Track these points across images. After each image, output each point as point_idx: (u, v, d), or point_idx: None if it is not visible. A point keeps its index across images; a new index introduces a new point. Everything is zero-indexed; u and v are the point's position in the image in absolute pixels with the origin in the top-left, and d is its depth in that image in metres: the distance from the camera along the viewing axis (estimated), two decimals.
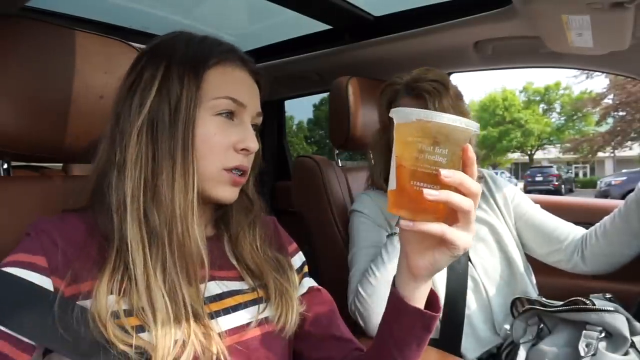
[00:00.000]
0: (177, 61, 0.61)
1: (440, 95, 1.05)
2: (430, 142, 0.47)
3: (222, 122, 0.63)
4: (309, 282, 0.79)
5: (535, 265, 1.25)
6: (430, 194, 0.46)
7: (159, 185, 0.58)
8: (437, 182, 0.47)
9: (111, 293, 0.54)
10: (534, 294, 1.17)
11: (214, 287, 0.64)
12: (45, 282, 0.54)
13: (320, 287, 0.79)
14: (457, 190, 0.47)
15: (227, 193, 0.64)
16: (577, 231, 1.17)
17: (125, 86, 0.62)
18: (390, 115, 0.51)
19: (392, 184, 0.49)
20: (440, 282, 1.10)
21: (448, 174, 0.46)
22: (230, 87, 0.63)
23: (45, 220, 0.59)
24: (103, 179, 0.60)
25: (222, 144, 0.62)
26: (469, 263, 1.13)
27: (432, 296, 0.59)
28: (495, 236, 1.19)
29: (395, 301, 0.58)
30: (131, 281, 0.55)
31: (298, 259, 0.79)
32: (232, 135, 0.63)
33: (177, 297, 0.56)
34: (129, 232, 0.56)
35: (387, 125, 1.15)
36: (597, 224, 1.13)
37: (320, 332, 0.73)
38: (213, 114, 0.62)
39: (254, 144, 0.64)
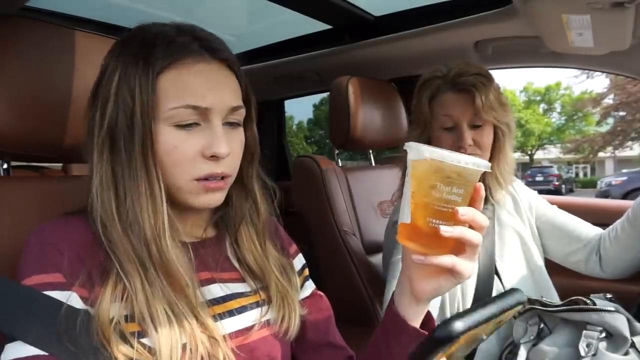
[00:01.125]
0: (131, 65, 0.56)
1: (487, 89, 1.02)
2: (445, 181, 0.48)
3: (184, 132, 0.57)
4: (311, 286, 0.78)
5: None
6: (447, 231, 0.48)
7: (128, 206, 0.55)
8: (451, 220, 0.48)
9: (115, 301, 0.53)
10: (556, 298, 1.13)
11: (217, 290, 0.63)
12: (66, 296, 0.53)
13: (321, 293, 0.79)
14: (468, 225, 0.49)
15: (205, 201, 0.60)
16: (596, 231, 1.15)
17: (92, 91, 0.59)
18: (404, 148, 0.52)
19: (406, 218, 0.50)
20: (470, 290, 1.06)
21: (464, 212, 0.48)
22: (188, 93, 0.56)
23: (48, 230, 0.56)
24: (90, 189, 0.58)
25: (188, 154, 0.57)
26: (495, 275, 1.09)
27: (426, 315, 0.60)
28: (523, 246, 1.15)
29: (395, 320, 0.58)
30: (131, 290, 0.54)
31: (298, 262, 0.78)
32: (197, 142, 0.57)
33: (177, 306, 0.55)
34: (119, 248, 0.55)
35: (428, 122, 1.09)
36: (610, 227, 1.12)
37: (317, 338, 0.73)
38: (172, 124, 0.56)
39: (222, 149, 0.57)
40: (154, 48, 0.56)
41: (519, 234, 1.16)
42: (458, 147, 1.02)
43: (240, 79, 0.63)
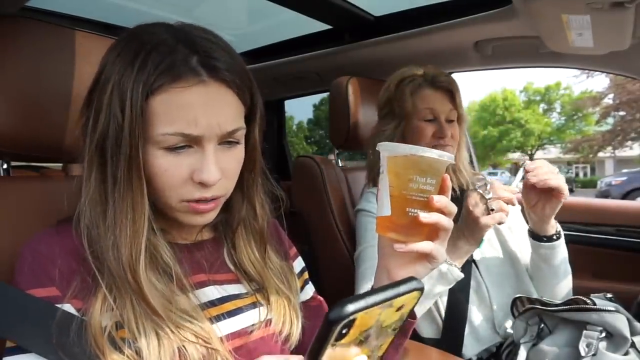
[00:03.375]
0: (126, 76, 0.52)
1: (458, 89, 1.16)
2: (421, 172, 0.54)
3: (174, 156, 0.55)
4: (311, 290, 0.78)
5: None
6: (425, 217, 0.54)
7: (111, 227, 0.53)
8: (427, 207, 0.55)
9: (106, 311, 0.53)
10: (535, 292, 1.17)
11: (212, 292, 0.63)
12: (65, 308, 0.53)
13: (321, 298, 0.79)
14: (441, 212, 0.55)
15: (195, 221, 0.59)
16: None
17: (87, 95, 0.58)
18: (378, 149, 0.57)
19: (387, 210, 0.55)
20: None
21: (438, 199, 0.55)
22: (179, 118, 0.53)
23: (40, 241, 0.56)
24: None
25: (177, 178, 0.55)
26: (472, 263, 1.13)
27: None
28: (499, 236, 1.19)
29: None
30: (122, 298, 0.54)
31: (298, 264, 0.78)
32: (187, 166, 0.55)
33: (162, 325, 0.54)
34: (105, 265, 0.54)
35: (408, 115, 1.16)
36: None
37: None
38: (161, 147, 0.54)
39: (212, 177, 0.55)
40: (148, 61, 0.52)
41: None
42: (439, 137, 1.13)
43: (243, 96, 0.58)
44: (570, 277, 1.13)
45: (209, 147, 0.55)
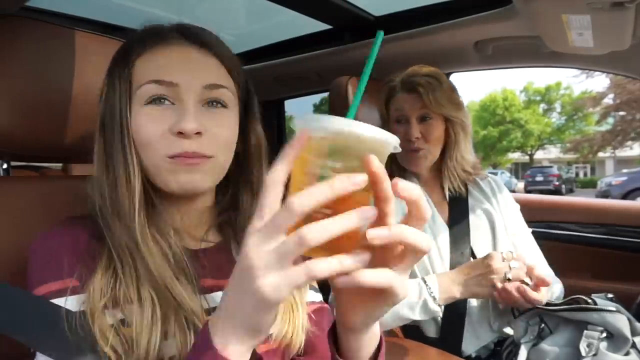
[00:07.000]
0: (115, 58, 0.62)
1: (434, 87, 1.12)
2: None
3: (153, 109, 0.57)
4: (315, 296, 0.73)
5: None
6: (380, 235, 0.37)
7: (116, 192, 0.56)
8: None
9: (104, 295, 0.52)
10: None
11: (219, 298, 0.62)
12: (70, 302, 0.53)
13: (326, 305, 0.73)
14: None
15: (185, 179, 0.57)
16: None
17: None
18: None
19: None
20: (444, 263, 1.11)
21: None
22: (155, 70, 0.58)
23: (47, 238, 0.57)
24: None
25: (156, 132, 0.56)
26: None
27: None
28: (490, 223, 1.18)
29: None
30: (122, 282, 0.54)
31: None
32: (167, 120, 0.57)
33: (169, 308, 0.53)
34: (114, 240, 0.55)
35: (385, 120, 1.23)
36: None
37: (320, 352, 0.67)
38: (143, 103, 0.58)
39: (188, 125, 0.55)
40: (133, 39, 0.61)
41: (485, 211, 1.19)
42: (407, 140, 1.13)
43: (225, 62, 0.62)
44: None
45: (188, 101, 0.57)
